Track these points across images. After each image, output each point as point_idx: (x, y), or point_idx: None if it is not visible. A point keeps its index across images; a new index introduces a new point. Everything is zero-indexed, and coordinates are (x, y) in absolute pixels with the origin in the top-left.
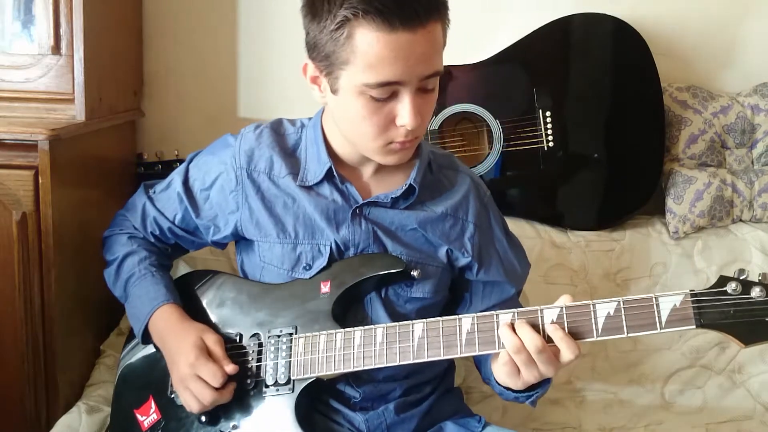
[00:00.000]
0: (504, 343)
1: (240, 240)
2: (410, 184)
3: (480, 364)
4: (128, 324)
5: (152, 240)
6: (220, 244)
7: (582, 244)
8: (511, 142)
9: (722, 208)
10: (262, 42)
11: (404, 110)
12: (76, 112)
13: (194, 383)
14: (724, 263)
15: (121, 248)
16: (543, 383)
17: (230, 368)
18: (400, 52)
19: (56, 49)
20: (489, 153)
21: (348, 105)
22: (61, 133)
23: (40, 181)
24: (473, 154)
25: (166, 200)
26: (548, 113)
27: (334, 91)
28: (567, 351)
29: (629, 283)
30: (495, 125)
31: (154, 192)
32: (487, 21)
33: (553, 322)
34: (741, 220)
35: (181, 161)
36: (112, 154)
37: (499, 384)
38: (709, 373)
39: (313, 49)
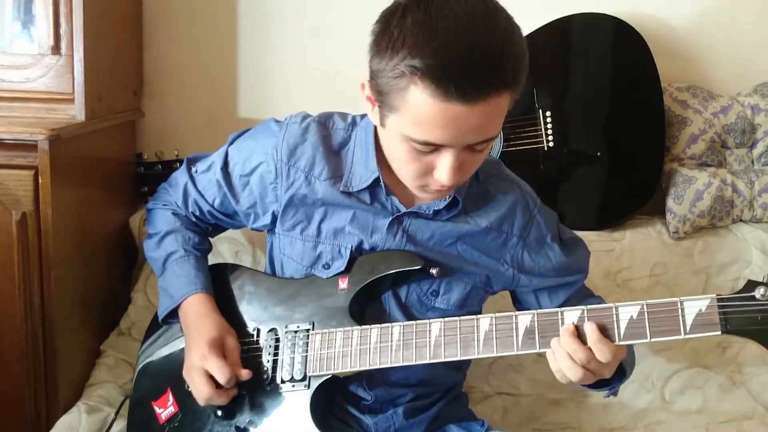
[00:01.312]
0: (565, 372)
1: (274, 227)
2: (454, 197)
3: None
4: (128, 324)
5: (193, 219)
6: (259, 230)
7: None
8: (511, 142)
9: (722, 208)
10: (262, 42)
11: (443, 168)
12: (76, 111)
13: (197, 374)
14: (724, 263)
15: (165, 224)
16: (616, 379)
17: (244, 372)
18: (451, 121)
19: (56, 49)
20: (488, 153)
21: (392, 143)
22: (60, 133)
23: (40, 180)
24: None
25: (206, 183)
26: (548, 113)
27: (382, 125)
28: (600, 353)
29: (629, 283)
30: None
31: (196, 171)
32: None
33: (573, 325)
34: (741, 220)
35: (181, 161)
36: (111, 154)
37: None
38: (709, 374)
39: (372, 77)
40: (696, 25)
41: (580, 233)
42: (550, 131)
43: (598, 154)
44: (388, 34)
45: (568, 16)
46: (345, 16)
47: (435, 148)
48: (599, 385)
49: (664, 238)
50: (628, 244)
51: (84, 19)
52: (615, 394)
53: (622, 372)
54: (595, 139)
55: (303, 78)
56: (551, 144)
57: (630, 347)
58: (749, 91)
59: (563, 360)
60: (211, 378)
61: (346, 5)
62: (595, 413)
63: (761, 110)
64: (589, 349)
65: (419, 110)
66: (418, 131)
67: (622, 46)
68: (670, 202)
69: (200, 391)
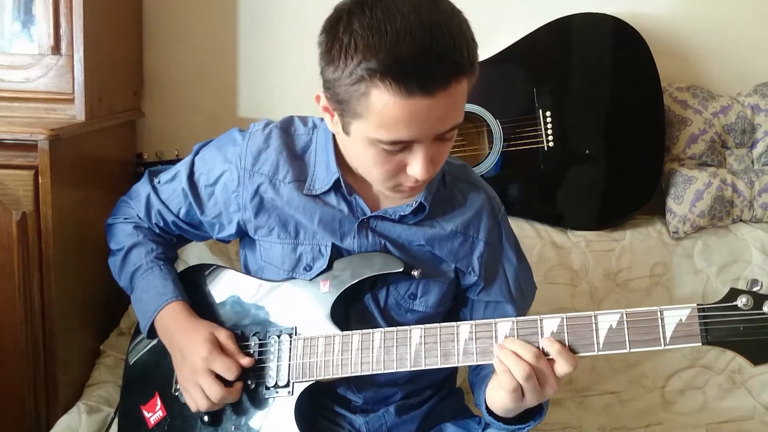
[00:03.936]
0: (512, 369)
1: (244, 237)
2: (420, 203)
3: (474, 387)
4: (128, 324)
5: (157, 231)
6: (225, 241)
7: (582, 244)
8: (511, 142)
9: (722, 208)
10: (262, 42)
11: (416, 163)
12: (76, 112)
13: (205, 378)
14: (724, 263)
15: (127, 238)
16: (536, 415)
17: (246, 361)
18: (415, 115)
19: (56, 49)
20: (489, 153)
21: (358, 149)
22: (60, 133)
23: (40, 181)
24: (473, 154)
25: (170, 193)
26: (548, 113)
27: (346, 132)
28: (564, 364)
29: (629, 283)
30: (495, 125)
31: (159, 182)
32: (487, 21)
33: (552, 334)
34: (741, 220)
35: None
36: (111, 154)
37: (495, 414)
38: (709, 373)
39: (327, 87)
40: (696, 25)
41: (580, 233)
42: (550, 131)
43: (588, 152)
44: (338, 42)
45: (568, 16)
46: None
47: (404, 145)
48: (522, 420)
49: (664, 238)
50: (628, 244)
51: (84, 19)
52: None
53: (539, 409)
54: (595, 139)
55: (302, 78)
56: (551, 144)
57: None
58: (749, 91)
59: (508, 357)
60: (217, 378)
61: None
62: (595, 413)
63: (761, 110)
64: (535, 347)
65: (384, 112)
66: (385, 133)
67: (622, 46)
68: (670, 202)
69: (212, 393)
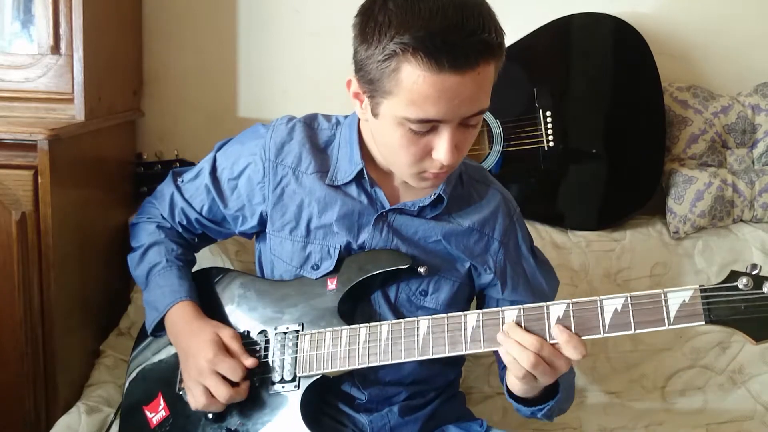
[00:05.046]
0: (518, 359)
1: (262, 231)
2: (439, 194)
3: (503, 380)
4: (128, 324)
5: (180, 230)
6: (247, 235)
7: (582, 244)
8: (511, 142)
9: (723, 208)
10: (262, 42)
11: (442, 146)
12: (76, 111)
13: (211, 379)
14: (724, 263)
15: (149, 237)
16: (554, 395)
17: (250, 362)
18: (444, 93)
19: (55, 48)
20: (489, 153)
21: (386, 131)
22: (60, 133)
23: (40, 180)
24: (473, 154)
25: (194, 190)
26: (548, 113)
27: (374, 114)
28: (573, 352)
29: (630, 283)
30: (495, 125)
31: (182, 181)
32: None
33: (558, 319)
34: (742, 220)
35: (181, 161)
36: (111, 153)
37: (516, 396)
38: (709, 374)
39: (359, 69)
40: (696, 25)
41: (580, 233)
42: (550, 131)
43: (589, 151)
44: (373, 21)
45: (568, 16)
46: (344, 15)
47: (431, 127)
48: (537, 402)
49: (665, 238)
50: (628, 244)
51: (84, 18)
52: (549, 417)
53: (556, 391)
54: (595, 139)
55: (302, 78)
56: (551, 144)
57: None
58: (749, 91)
59: (513, 347)
60: (224, 378)
61: (345, 5)
62: (595, 413)
63: (762, 110)
64: (537, 336)
65: (413, 87)
66: (413, 110)
67: (622, 46)
68: (671, 202)
69: (219, 394)
